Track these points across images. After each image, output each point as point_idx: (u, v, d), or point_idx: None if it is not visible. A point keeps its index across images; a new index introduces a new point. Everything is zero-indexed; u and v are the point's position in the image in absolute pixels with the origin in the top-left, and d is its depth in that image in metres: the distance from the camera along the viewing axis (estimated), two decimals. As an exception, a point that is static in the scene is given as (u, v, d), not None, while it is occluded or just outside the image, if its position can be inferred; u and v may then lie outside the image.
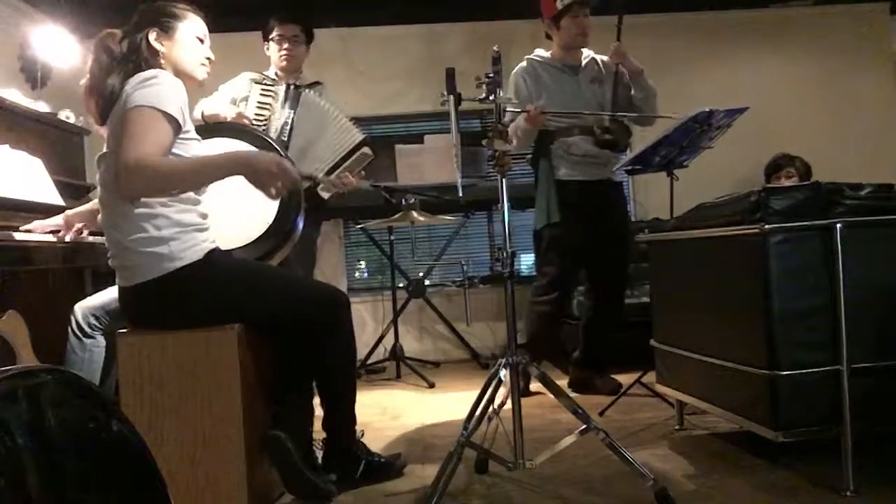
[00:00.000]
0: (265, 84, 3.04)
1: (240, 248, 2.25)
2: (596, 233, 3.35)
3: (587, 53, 3.48)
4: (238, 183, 1.93)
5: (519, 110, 3.15)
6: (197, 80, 2.12)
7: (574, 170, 3.34)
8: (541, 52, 3.46)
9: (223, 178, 1.93)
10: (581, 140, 3.31)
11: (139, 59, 1.99)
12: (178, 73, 2.05)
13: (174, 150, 1.91)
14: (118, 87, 1.94)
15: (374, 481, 2.22)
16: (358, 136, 2.93)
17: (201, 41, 2.12)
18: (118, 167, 1.81)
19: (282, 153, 2.37)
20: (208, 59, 2.13)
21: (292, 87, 3.01)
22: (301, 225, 2.37)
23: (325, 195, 2.99)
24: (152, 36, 2.02)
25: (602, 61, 3.44)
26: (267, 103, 2.98)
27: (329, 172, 2.91)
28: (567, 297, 3.54)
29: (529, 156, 3.50)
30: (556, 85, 3.37)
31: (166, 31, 2.05)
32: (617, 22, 3.20)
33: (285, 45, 3.24)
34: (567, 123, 3.32)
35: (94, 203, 2.62)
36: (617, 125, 3.24)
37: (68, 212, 2.66)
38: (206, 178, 1.95)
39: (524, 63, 3.43)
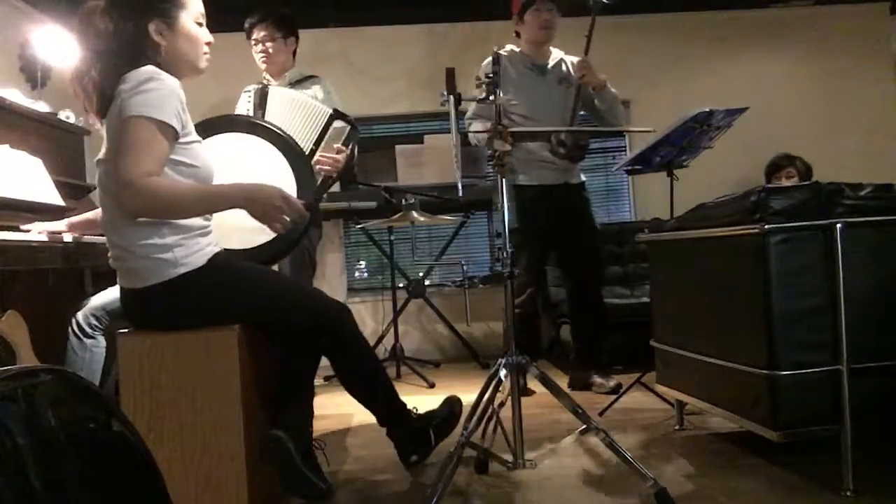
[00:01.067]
0: (248, 93, 3.02)
1: (247, 250, 2.22)
2: (560, 235, 3.39)
3: (557, 55, 3.50)
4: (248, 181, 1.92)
5: (481, 130, 3.19)
6: (199, 70, 2.03)
7: (532, 175, 3.37)
8: (511, 47, 3.48)
9: (225, 210, 1.91)
10: (539, 146, 3.33)
11: (137, 54, 1.89)
12: (180, 65, 1.97)
13: (177, 158, 1.87)
14: (113, 84, 1.86)
15: (447, 434, 2.25)
16: (325, 111, 2.82)
17: (200, 24, 2.00)
18: (119, 183, 1.77)
19: (268, 126, 2.34)
20: (208, 43, 2.03)
21: (260, 87, 2.98)
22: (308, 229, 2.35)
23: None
24: (152, 28, 1.92)
25: (571, 63, 3.45)
26: (248, 110, 2.96)
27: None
28: (536, 294, 3.54)
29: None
30: (522, 81, 3.38)
31: (167, 23, 1.93)
32: (587, 32, 3.18)
33: (260, 48, 3.23)
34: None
35: (96, 212, 2.61)
36: (572, 140, 3.24)
37: (72, 219, 2.65)
38: (207, 210, 1.93)
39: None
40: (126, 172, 1.76)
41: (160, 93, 1.82)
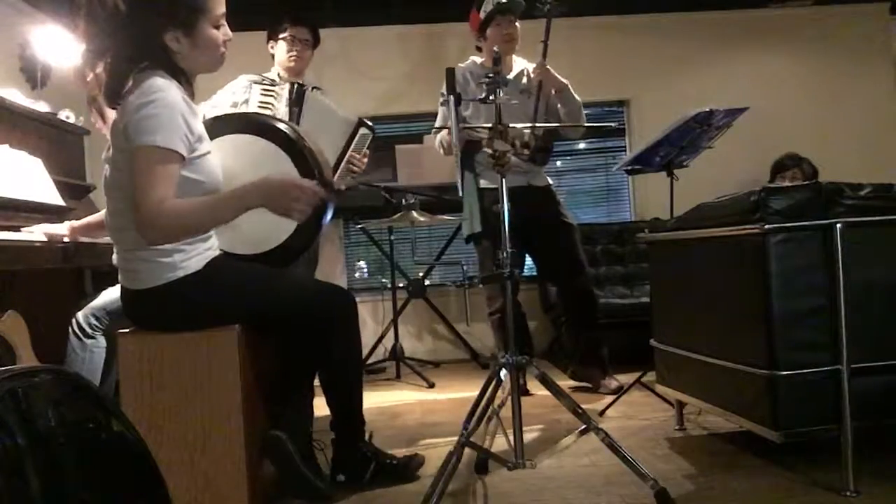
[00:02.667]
0: (265, 84, 3.04)
1: (263, 253, 2.17)
2: (532, 238, 3.37)
3: (519, 65, 3.51)
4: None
5: (443, 125, 3.29)
6: (214, 70, 1.99)
7: (494, 177, 3.34)
8: (474, 59, 3.50)
9: (242, 214, 1.86)
10: None
11: (149, 56, 1.87)
12: (194, 67, 1.94)
13: (187, 174, 1.85)
14: (123, 80, 1.86)
15: (386, 484, 2.17)
16: (352, 119, 2.90)
17: (220, 27, 1.94)
18: (138, 216, 1.77)
19: (293, 128, 2.28)
20: (226, 41, 1.96)
21: (296, 86, 3.01)
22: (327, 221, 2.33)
23: (342, 186, 3.02)
24: (169, 36, 1.87)
25: (531, 72, 3.45)
26: (268, 103, 2.97)
27: (337, 164, 2.87)
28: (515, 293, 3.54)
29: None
30: (481, 94, 3.37)
31: (186, 31, 1.87)
32: (544, 38, 3.17)
33: (296, 47, 3.24)
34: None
35: (99, 215, 2.61)
36: (534, 143, 3.23)
37: (74, 223, 2.65)
38: (223, 220, 1.89)
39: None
40: (144, 207, 1.76)
41: (163, 116, 1.78)
